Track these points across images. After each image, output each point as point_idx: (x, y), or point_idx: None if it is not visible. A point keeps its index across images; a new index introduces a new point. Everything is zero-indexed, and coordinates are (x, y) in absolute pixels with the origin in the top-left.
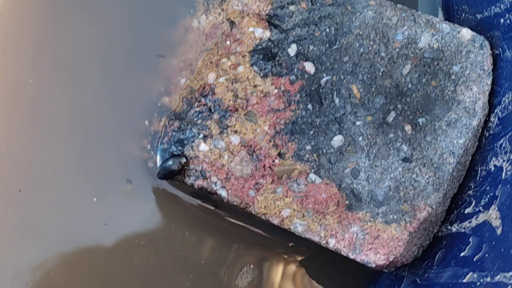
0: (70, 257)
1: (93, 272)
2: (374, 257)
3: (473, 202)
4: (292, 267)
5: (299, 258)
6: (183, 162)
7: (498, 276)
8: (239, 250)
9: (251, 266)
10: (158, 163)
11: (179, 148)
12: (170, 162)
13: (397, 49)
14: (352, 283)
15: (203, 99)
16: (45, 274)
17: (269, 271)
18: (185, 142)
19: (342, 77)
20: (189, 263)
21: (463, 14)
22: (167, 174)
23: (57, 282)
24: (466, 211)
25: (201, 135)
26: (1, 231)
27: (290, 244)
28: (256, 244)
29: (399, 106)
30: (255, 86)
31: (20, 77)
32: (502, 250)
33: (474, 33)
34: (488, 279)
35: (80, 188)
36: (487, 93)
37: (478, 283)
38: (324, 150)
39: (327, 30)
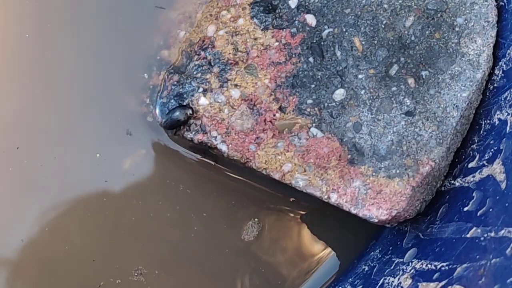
0: (69, 214)
1: (90, 231)
2: (377, 212)
3: (477, 156)
4: (294, 222)
5: (301, 213)
6: (189, 113)
7: (502, 231)
8: (241, 205)
9: (256, 219)
10: (158, 117)
11: (179, 102)
12: (177, 113)
13: (400, 1)
14: (354, 238)
15: (202, 52)
16: (43, 229)
17: (272, 226)
18: (185, 96)
19: (344, 29)
20: (191, 218)
21: None
22: (173, 124)
23: (56, 237)
24: (470, 165)
25: (201, 89)
26: (2, 188)
27: (292, 199)
28: (257, 199)
29: (402, 59)
30: (255, 39)
31: (18, 32)
32: (507, 204)
33: None
34: (492, 234)
35: (80, 143)
36: (492, 45)
37: (482, 238)
38: (326, 104)
39: None
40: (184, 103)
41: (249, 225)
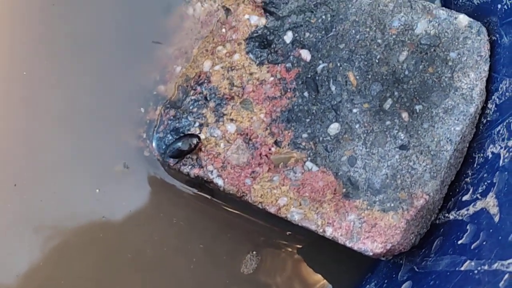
0: (66, 248)
1: (88, 266)
2: (372, 246)
3: (471, 190)
4: (291, 256)
5: (297, 247)
6: (195, 142)
7: (496, 264)
8: (238, 239)
9: (254, 253)
10: (155, 151)
11: (175, 136)
12: (179, 144)
13: (394, 36)
14: (350, 271)
15: (198, 87)
16: (39, 264)
17: (269, 259)
18: (181, 130)
19: (339, 64)
20: (189, 251)
21: (460, 0)
22: (177, 154)
23: (53, 271)
24: (464, 198)
25: (197, 124)
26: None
27: (288, 232)
28: (254, 232)
29: (396, 93)
30: (251, 73)
31: (14, 70)
32: (500, 237)
33: (471, 19)
34: (486, 267)
35: (79, 177)
36: (484, 79)
37: (476, 271)
38: (321, 138)
39: (323, 17)
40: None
41: (248, 258)
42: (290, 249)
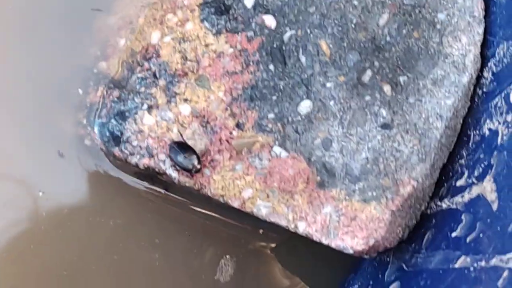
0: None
1: (19, 263)
2: (351, 242)
3: (466, 173)
4: (265, 258)
5: (271, 246)
6: (195, 164)
7: (494, 260)
8: (203, 240)
9: (227, 256)
10: (98, 139)
11: (120, 122)
12: (180, 159)
13: None
14: (330, 272)
15: (146, 63)
16: None
17: (242, 263)
18: (127, 114)
19: (309, 31)
20: (140, 260)
21: None
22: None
23: None
24: (458, 183)
25: (145, 106)
26: None
27: (261, 230)
28: (220, 232)
29: (376, 63)
30: (206, 45)
31: None
32: (498, 228)
33: None
34: (483, 263)
35: (18, 175)
36: (479, 44)
37: (472, 268)
38: (290, 118)
39: None
40: (126, 123)
41: (222, 263)
42: (264, 250)
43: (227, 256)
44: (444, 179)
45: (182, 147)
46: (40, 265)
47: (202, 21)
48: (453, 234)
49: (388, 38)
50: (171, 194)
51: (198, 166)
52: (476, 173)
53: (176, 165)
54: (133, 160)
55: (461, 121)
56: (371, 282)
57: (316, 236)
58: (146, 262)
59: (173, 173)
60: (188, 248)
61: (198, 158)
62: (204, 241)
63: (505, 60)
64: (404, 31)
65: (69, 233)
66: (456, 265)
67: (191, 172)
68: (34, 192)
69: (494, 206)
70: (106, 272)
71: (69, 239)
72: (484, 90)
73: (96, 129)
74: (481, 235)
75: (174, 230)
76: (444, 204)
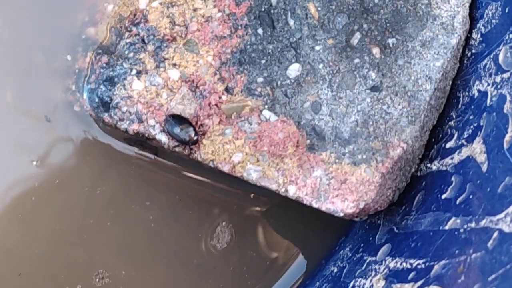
0: None
1: (29, 240)
2: (342, 205)
3: (455, 135)
4: (255, 222)
5: (262, 211)
6: (192, 136)
7: (484, 221)
8: (197, 207)
9: (224, 223)
10: (87, 105)
11: (109, 87)
12: (177, 130)
13: None
14: (321, 235)
15: (134, 28)
16: None
17: (236, 229)
18: (116, 80)
19: None
20: (134, 227)
21: None
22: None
23: None
24: (448, 145)
25: (134, 71)
26: None
27: (252, 194)
28: (212, 197)
29: (364, 25)
30: (194, 9)
31: None
32: (488, 189)
33: None
34: (473, 225)
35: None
36: (467, 5)
37: (462, 230)
38: (279, 82)
39: None
40: (115, 88)
41: (219, 230)
42: (256, 214)
43: (223, 223)
44: (434, 141)
45: (177, 119)
46: (35, 231)
47: None
48: (443, 196)
49: (376, 0)
50: (161, 160)
51: (195, 138)
52: (465, 135)
53: (173, 138)
54: (123, 125)
55: (450, 83)
56: (362, 245)
57: (307, 200)
58: (139, 227)
59: (163, 138)
60: (180, 214)
61: (195, 129)
62: (195, 207)
63: (493, 21)
64: None
65: (61, 202)
66: (446, 227)
67: (188, 143)
68: (26, 161)
69: (484, 167)
70: (100, 240)
71: (61, 208)
72: (473, 51)
73: (85, 95)
74: (471, 196)
75: (166, 197)
76: (434, 166)
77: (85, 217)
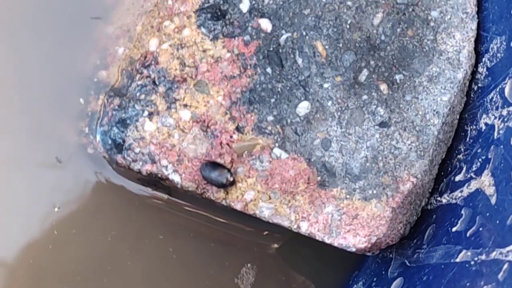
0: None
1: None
2: (354, 240)
3: (464, 168)
4: (271, 259)
5: (276, 246)
6: (229, 178)
7: (494, 253)
8: (210, 247)
9: (249, 265)
10: (100, 147)
11: (121, 129)
12: (215, 174)
13: None
14: (334, 269)
15: (145, 70)
16: None
17: (257, 268)
18: (128, 121)
19: (304, 33)
20: (149, 264)
21: None
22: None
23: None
24: (457, 178)
25: (146, 112)
26: None
27: (265, 232)
28: (225, 235)
29: (372, 62)
30: (204, 50)
31: None
32: (498, 221)
33: None
34: (483, 257)
35: (12, 185)
36: (473, 40)
37: (472, 262)
38: (289, 120)
39: None
40: (128, 130)
41: (243, 272)
42: (270, 252)
43: (248, 265)
44: (443, 174)
45: (213, 165)
46: (53, 272)
47: (199, 27)
48: (454, 229)
49: (383, 37)
50: (175, 199)
51: (231, 179)
52: (474, 168)
53: (209, 183)
54: (136, 166)
55: (458, 117)
56: (374, 279)
57: (319, 236)
58: (156, 267)
59: (176, 178)
60: (198, 254)
61: (230, 171)
62: (210, 243)
63: (498, 55)
64: (398, 30)
65: (77, 243)
66: (457, 260)
67: (225, 186)
68: (48, 206)
69: (493, 200)
70: (117, 281)
71: (78, 248)
72: (479, 85)
73: (98, 138)
74: (481, 229)
75: (182, 237)
76: (444, 199)
77: (98, 258)
